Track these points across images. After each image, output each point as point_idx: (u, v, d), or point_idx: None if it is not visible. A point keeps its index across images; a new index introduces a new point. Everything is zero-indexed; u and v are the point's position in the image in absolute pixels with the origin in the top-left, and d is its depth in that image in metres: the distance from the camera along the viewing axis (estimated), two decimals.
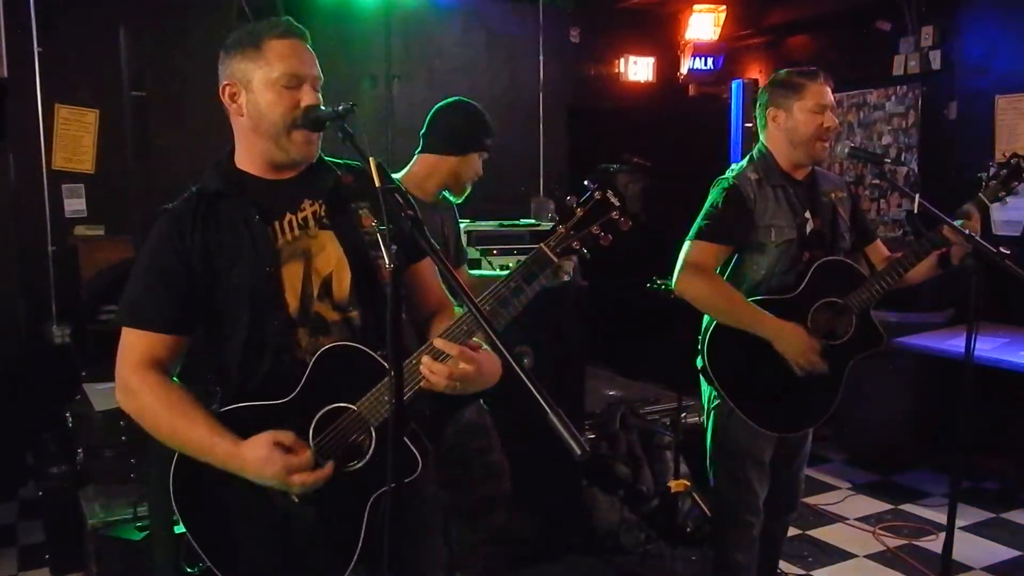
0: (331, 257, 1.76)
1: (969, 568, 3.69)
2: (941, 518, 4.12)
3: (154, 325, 1.71)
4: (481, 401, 2.91)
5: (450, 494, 2.91)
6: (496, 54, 5.91)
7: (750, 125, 4.26)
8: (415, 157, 2.78)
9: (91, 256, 4.50)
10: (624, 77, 6.58)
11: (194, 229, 1.72)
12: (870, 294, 2.65)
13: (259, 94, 1.70)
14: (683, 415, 3.94)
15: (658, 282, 3.66)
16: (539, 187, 6.02)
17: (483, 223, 3.51)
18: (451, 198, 2.82)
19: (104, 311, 4.25)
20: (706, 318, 2.74)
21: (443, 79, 5.58)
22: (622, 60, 6.55)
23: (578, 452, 1.25)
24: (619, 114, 6.46)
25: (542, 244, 1.64)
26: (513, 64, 5.99)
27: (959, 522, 2.62)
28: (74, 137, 4.69)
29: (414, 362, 1.64)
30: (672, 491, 3.81)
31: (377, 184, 1.47)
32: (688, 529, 3.84)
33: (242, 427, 1.66)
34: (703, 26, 6.47)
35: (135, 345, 1.71)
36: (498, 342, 1.34)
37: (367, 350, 1.69)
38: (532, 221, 3.87)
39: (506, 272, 1.73)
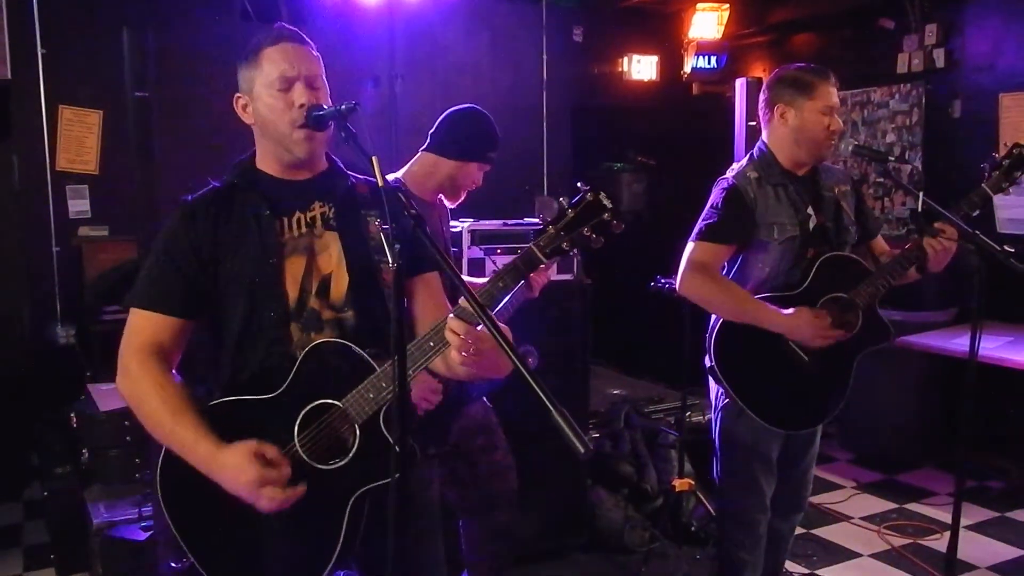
0: (332, 258, 1.81)
1: (974, 567, 3.69)
2: (946, 517, 4.11)
3: (162, 306, 1.75)
4: (485, 399, 2.91)
5: (456, 492, 2.92)
6: (499, 53, 5.90)
7: (754, 123, 4.24)
8: (419, 153, 2.79)
9: (95, 257, 4.51)
10: (627, 76, 6.57)
11: (207, 219, 1.78)
12: (876, 288, 2.64)
13: (259, 100, 1.77)
14: (687, 414, 3.94)
15: (662, 281, 3.65)
16: (543, 186, 6.02)
17: (486, 222, 3.50)
18: (445, 201, 2.82)
19: (108, 311, 4.26)
20: (712, 317, 2.74)
21: (446, 78, 5.58)
22: (625, 59, 6.55)
23: (582, 451, 1.25)
24: (622, 113, 6.46)
25: (531, 244, 1.63)
26: (516, 63, 5.99)
27: (964, 521, 2.62)
28: (78, 138, 4.70)
29: (417, 345, 1.66)
30: (676, 490, 3.80)
31: (380, 183, 1.48)
32: (692, 528, 3.84)
33: (229, 422, 1.69)
34: (706, 25, 6.45)
35: (141, 327, 1.76)
36: (501, 340, 1.34)
37: (356, 348, 1.72)
38: (536, 220, 3.86)
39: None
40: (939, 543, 3.91)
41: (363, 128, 1.61)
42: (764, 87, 2.78)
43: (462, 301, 1.59)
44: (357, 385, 1.69)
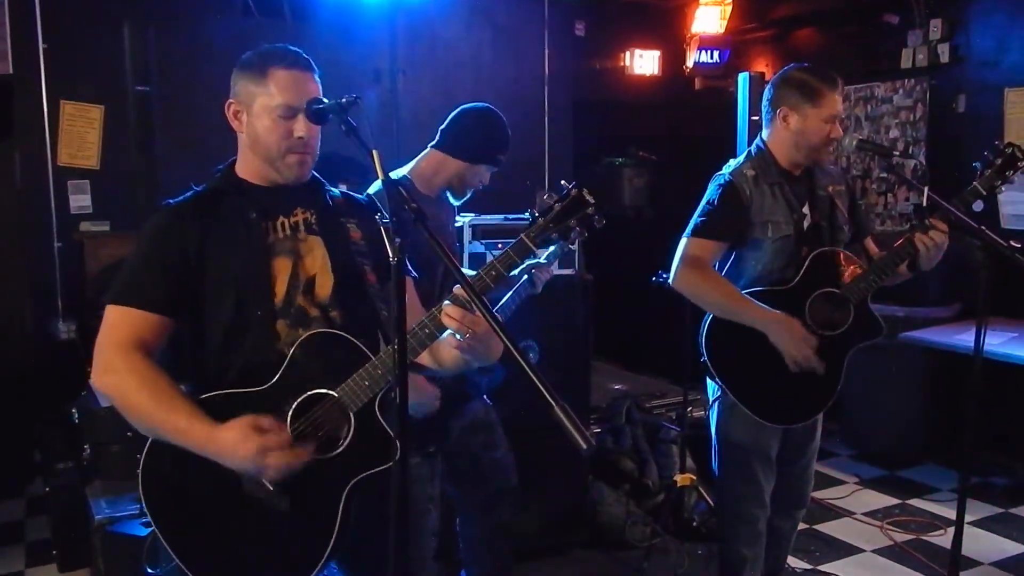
0: (317, 260, 1.84)
1: (977, 563, 3.68)
2: (949, 513, 4.10)
3: (143, 303, 1.74)
4: (485, 397, 2.91)
5: (456, 490, 2.91)
6: (501, 48, 5.88)
7: (756, 118, 4.23)
8: (427, 149, 2.77)
9: (97, 252, 4.50)
10: (629, 71, 6.56)
11: (194, 221, 1.77)
12: (867, 284, 2.64)
13: (257, 118, 1.78)
14: (689, 409, 3.93)
15: (663, 276, 3.65)
16: (544, 181, 6.01)
17: (488, 217, 3.49)
18: (450, 198, 2.81)
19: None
20: (705, 313, 2.74)
21: (448, 74, 5.57)
22: (627, 54, 6.53)
23: (583, 446, 1.25)
24: (624, 108, 6.45)
25: (522, 234, 1.72)
26: (518, 58, 5.97)
27: (967, 517, 2.61)
28: (79, 133, 4.69)
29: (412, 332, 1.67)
30: (678, 485, 3.80)
31: (381, 177, 1.49)
32: (694, 523, 3.83)
33: (221, 414, 1.67)
34: (709, 19, 6.44)
35: (122, 324, 1.74)
36: (503, 336, 1.34)
37: (350, 337, 1.74)
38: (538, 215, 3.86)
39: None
40: (942, 539, 3.90)
41: (364, 122, 1.61)
42: (770, 84, 2.77)
43: (456, 289, 1.64)
44: (351, 374, 1.70)
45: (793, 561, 3.63)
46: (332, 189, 1.94)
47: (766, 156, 2.72)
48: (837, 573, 3.63)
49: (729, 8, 6.40)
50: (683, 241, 2.71)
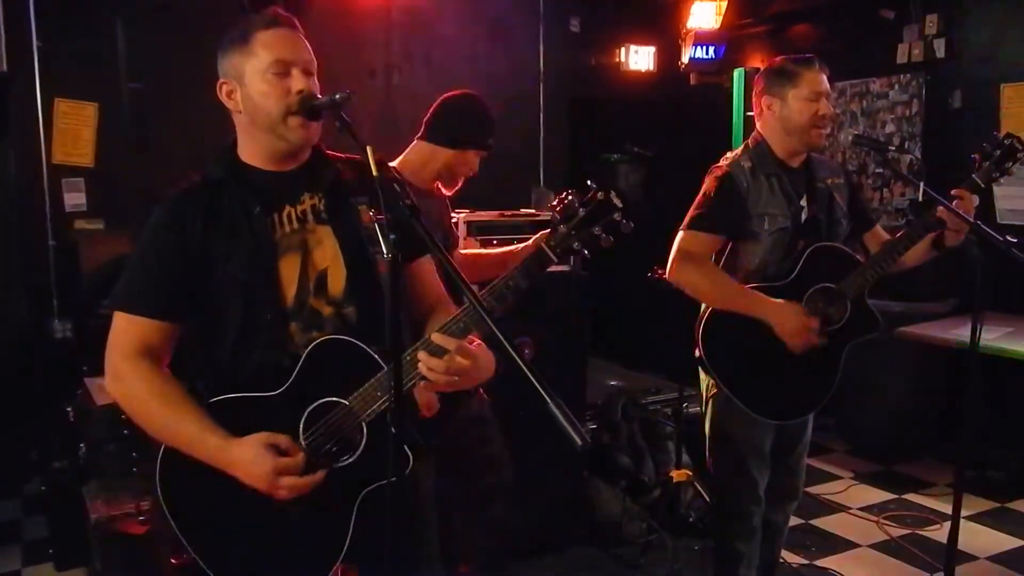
0: (327, 252, 1.76)
1: (974, 558, 3.69)
2: (944, 507, 4.11)
3: (149, 311, 1.71)
4: (481, 391, 2.89)
5: (451, 485, 2.90)
6: (496, 44, 5.88)
7: (752, 114, 4.24)
8: (414, 142, 2.76)
9: (92, 250, 4.49)
10: (625, 66, 6.55)
11: (195, 217, 1.71)
12: (864, 279, 2.64)
13: (252, 87, 1.70)
14: (685, 405, 3.93)
15: (659, 272, 3.64)
16: (539, 177, 6.01)
17: (483, 212, 3.49)
18: (442, 189, 2.80)
19: (105, 306, 4.23)
20: (701, 307, 2.73)
21: (443, 69, 5.56)
22: (623, 49, 6.52)
23: (579, 443, 1.25)
24: (620, 104, 6.44)
25: (543, 244, 1.64)
26: (513, 54, 5.97)
27: (963, 511, 2.61)
28: (74, 131, 4.67)
29: (409, 356, 1.63)
30: (674, 481, 3.80)
31: (374, 173, 1.47)
32: (690, 519, 3.84)
33: (231, 418, 1.66)
34: (704, 15, 6.43)
35: (128, 331, 1.71)
36: (498, 332, 1.33)
37: (361, 344, 1.68)
38: (532, 211, 3.85)
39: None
40: (938, 533, 3.91)
41: (358, 118, 1.59)
42: (755, 81, 2.79)
43: (435, 336, 1.61)
44: (364, 383, 1.66)
45: (789, 556, 3.63)
46: (338, 159, 1.84)
47: (763, 147, 2.72)
48: (833, 568, 3.63)
49: (724, 3, 6.39)
50: (679, 234, 2.70)
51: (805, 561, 3.70)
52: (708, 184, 2.71)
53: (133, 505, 3.29)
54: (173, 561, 2.36)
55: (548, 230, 1.73)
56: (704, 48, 6.30)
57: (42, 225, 4.61)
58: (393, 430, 1.46)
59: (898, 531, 3.99)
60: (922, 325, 4.52)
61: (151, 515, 3.16)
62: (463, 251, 3.07)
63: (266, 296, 1.71)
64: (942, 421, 4.81)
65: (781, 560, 3.21)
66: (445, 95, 2.77)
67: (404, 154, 2.76)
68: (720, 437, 2.81)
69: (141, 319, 1.71)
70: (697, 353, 2.74)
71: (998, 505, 4.26)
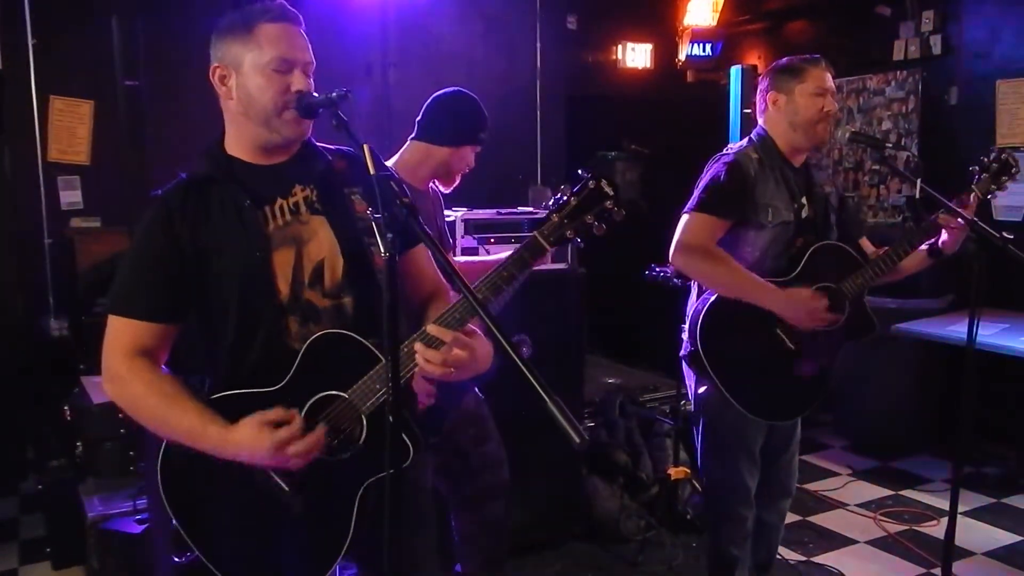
0: (323, 243, 1.75)
1: (970, 553, 3.70)
2: (942, 503, 4.12)
3: (143, 314, 1.70)
4: (476, 390, 2.89)
5: (448, 485, 2.90)
6: (493, 41, 5.87)
7: (749, 111, 4.23)
8: (408, 143, 2.76)
9: (88, 248, 4.48)
10: (622, 64, 6.55)
11: (184, 215, 1.70)
12: (864, 280, 2.64)
13: (249, 78, 1.69)
14: (682, 402, 3.93)
15: (656, 269, 3.64)
16: (536, 175, 6.00)
17: (480, 211, 3.49)
18: (440, 188, 2.80)
19: (102, 304, 4.23)
20: (692, 303, 2.73)
21: (440, 67, 5.55)
22: (620, 47, 6.52)
23: (577, 441, 1.25)
24: (617, 101, 6.44)
25: (536, 233, 1.63)
26: (510, 51, 5.95)
27: (960, 507, 2.62)
28: (69, 128, 4.66)
29: (406, 348, 1.62)
30: (672, 478, 3.81)
31: (371, 172, 1.46)
32: (688, 516, 3.84)
33: (232, 414, 1.65)
34: (701, 12, 6.44)
35: (123, 333, 1.70)
36: (495, 330, 1.33)
37: (358, 338, 1.68)
38: (530, 209, 3.85)
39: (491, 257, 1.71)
40: (935, 529, 3.92)
41: (354, 116, 1.58)
42: (760, 80, 2.80)
43: (430, 327, 1.61)
44: (362, 376, 1.66)
45: (786, 553, 3.64)
46: (328, 150, 1.83)
47: (768, 141, 2.71)
48: (830, 564, 3.64)
49: (721, 0, 6.40)
50: (684, 219, 2.65)
51: (803, 557, 3.70)
52: (716, 169, 2.67)
53: (130, 504, 3.30)
54: (176, 560, 2.36)
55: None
56: (701, 45, 6.31)
57: (38, 223, 4.60)
58: (391, 418, 1.45)
59: (895, 527, 3.99)
60: (920, 322, 4.53)
61: (150, 513, 3.16)
62: (458, 258, 3.07)
63: (261, 290, 1.70)
64: (939, 417, 4.82)
65: (779, 556, 3.21)
66: (436, 94, 2.77)
67: (399, 154, 2.76)
68: (713, 443, 2.80)
69: (135, 322, 1.70)
70: (687, 348, 2.72)
71: (994, 501, 4.27)
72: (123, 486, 3.41)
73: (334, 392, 1.67)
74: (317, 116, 1.70)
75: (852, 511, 4.20)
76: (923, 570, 3.58)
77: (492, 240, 3.40)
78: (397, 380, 1.44)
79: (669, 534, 3.75)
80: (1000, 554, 3.72)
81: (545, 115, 6.05)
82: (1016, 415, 4.61)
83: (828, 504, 4.28)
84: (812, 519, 4.09)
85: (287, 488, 1.69)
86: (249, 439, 1.60)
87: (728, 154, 2.70)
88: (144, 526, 3.19)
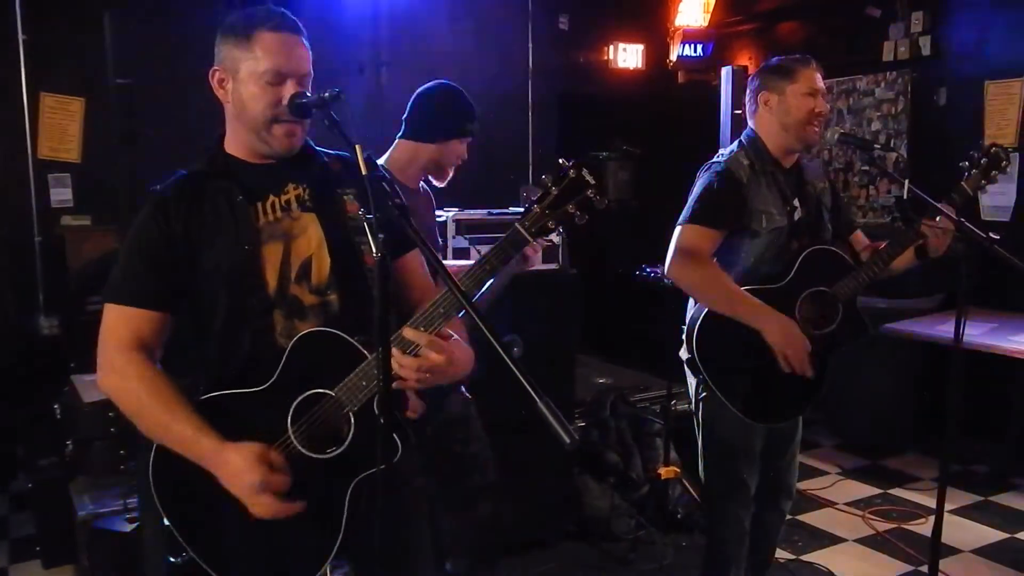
0: (312, 240, 1.76)
1: (958, 551, 3.72)
2: (930, 502, 4.15)
3: (139, 300, 1.71)
4: (463, 389, 2.88)
5: (436, 485, 2.89)
6: (485, 41, 5.87)
7: (740, 112, 4.25)
8: (396, 142, 2.74)
9: (78, 246, 4.47)
10: (613, 64, 6.56)
11: (179, 209, 1.72)
12: (857, 283, 2.64)
13: (243, 85, 1.70)
14: (673, 402, 3.95)
15: (647, 270, 3.66)
16: (528, 175, 6.01)
17: (472, 211, 3.49)
18: (434, 183, 2.79)
19: (92, 302, 4.22)
20: (691, 308, 2.73)
21: (432, 66, 5.53)
22: (611, 47, 6.53)
23: (567, 441, 1.25)
24: (608, 101, 6.45)
25: (516, 224, 1.62)
26: (502, 51, 5.96)
27: (948, 505, 2.64)
28: (60, 126, 4.65)
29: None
30: (662, 478, 3.82)
31: (364, 172, 1.47)
32: (678, 515, 3.86)
33: (221, 416, 1.66)
34: (693, 12, 6.46)
35: (120, 322, 1.72)
36: (485, 328, 1.33)
37: (344, 336, 1.68)
38: (521, 209, 3.86)
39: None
40: (923, 527, 3.94)
41: (347, 116, 1.58)
42: (749, 81, 2.80)
43: (405, 330, 1.61)
44: (348, 373, 1.67)
45: (776, 552, 3.65)
46: (326, 153, 1.84)
47: (758, 144, 2.71)
48: (820, 563, 3.66)
49: (712, 1, 6.42)
50: (678, 230, 2.64)
51: (792, 556, 3.72)
52: (708, 178, 2.66)
53: (120, 502, 3.29)
54: (172, 560, 2.34)
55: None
56: (692, 46, 6.33)
57: (28, 221, 4.59)
58: (381, 420, 1.46)
59: (884, 525, 4.02)
60: (908, 321, 4.55)
61: (140, 512, 3.15)
62: (448, 262, 3.07)
63: (249, 283, 1.72)
64: (928, 416, 4.85)
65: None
66: (419, 89, 2.74)
67: (388, 153, 2.75)
68: (712, 443, 2.79)
69: (132, 309, 1.71)
70: (685, 354, 2.73)
71: (982, 499, 4.30)
72: (113, 485, 3.41)
73: (321, 391, 1.68)
74: (310, 116, 1.71)
75: (841, 509, 4.23)
76: (911, 568, 3.61)
77: (484, 240, 3.40)
78: (388, 377, 1.45)
79: (659, 533, 3.77)
80: (988, 551, 3.74)
81: (537, 115, 6.07)
82: (1003, 414, 4.65)
83: (817, 503, 4.30)
84: (801, 518, 4.11)
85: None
86: (239, 466, 1.61)
87: (719, 162, 2.69)
88: (134, 525, 3.18)
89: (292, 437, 1.68)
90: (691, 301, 2.77)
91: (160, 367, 1.74)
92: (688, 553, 3.66)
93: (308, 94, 1.69)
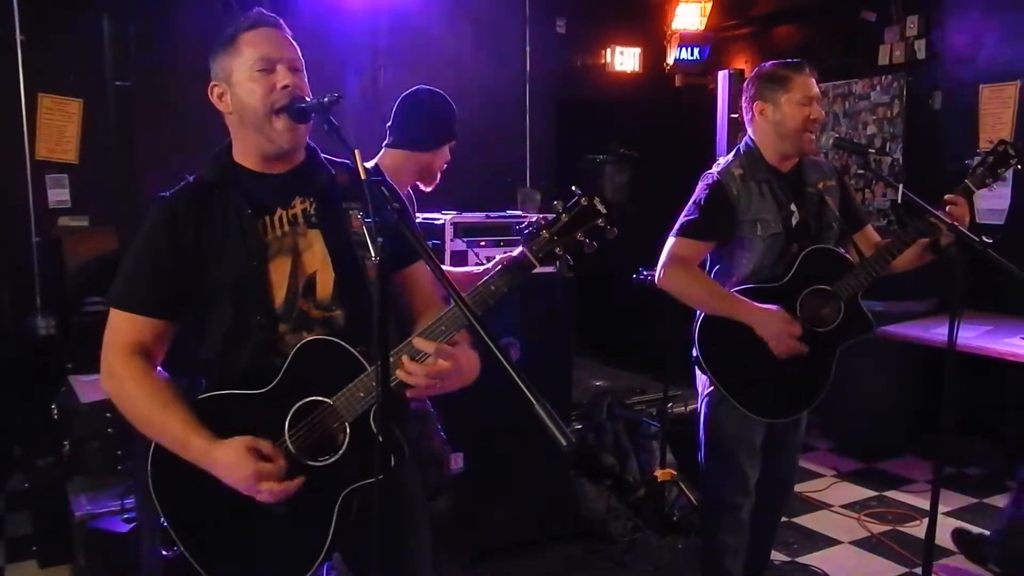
0: (316, 256, 1.78)
1: (952, 553, 3.73)
2: (925, 504, 4.13)
3: (143, 308, 1.73)
4: None
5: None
6: (482, 44, 5.89)
7: (736, 116, 4.26)
8: (383, 150, 2.75)
9: (76, 247, 4.48)
10: (611, 67, 6.58)
11: (188, 218, 1.74)
12: (858, 281, 2.67)
13: (239, 86, 1.73)
14: (669, 405, 3.96)
15: (644, 273, 3.67)
16: (525, 177, 6.02)
17: (469, 214, 3.50)
18: (422, 188, 2.81)
19: (89, 303, 4.23)
20: (696, 310, 2.77)
21: (429, 69, 5.55)
22: (608, 50, 6.55)
23: (564, 443, 1.26)
24: (606, 105, 6.47)
25: (524, 249, 1.63)
26: (500, 54, 5.98)
27: (942, 508, 2.66)
28: (58, 127, 4.65)
29: (392, 359, 1.63)
30: (659, 480, 3.83)
31: (362, 176, 1.48)
32: (674, 518, 3.87)
33: (219, 416, 1.68)
34: (689, 16, 6.48)
35: (122, 327, 1.74)
36: (484, 335, 1.35)
37: (346, 345, 1.70)
38: (518, 212, 3.87)
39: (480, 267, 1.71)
40: (918, 529, 3.95)
41: (346, 120, 1.60)
42: (744, 88, 2.81)
43: (416, 340, 1.63)
44: (348, 383, 1.68)
45: (772, 553, 3.66)
46: (333, 162, 1.86)
47: (754, 153, 2.74)
48: (815, 565, 3.67)
49: (709, 5, 6.45)
50: (669, 241, 2.73)
51: (787, 558, 3.73)
52: (699, 191, 2.73)
53: (117, 503, 3.29)
54: (164, 553, 2.37)
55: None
56: (689, 49, 6.35)
57: (26, 221, 4.59)
58: (380, 437, 1.47)
59: (879, 528, 4.03)
60: (903, 324, 4.57)
61: (137, 512, 3.16)
62: (447, 268, 3.07)
63: (256, 298, 1.73)
64: (923, 419, 4.86)
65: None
66: (404, 98, 2.76)
67: (375, 161, 2.73)
68: (712, 431, 2.84)
69: (136, 316, 1.73)
70: (694, 352, 2.77)
71: (976, 501, 4.32)
72: (110, 485, 3.41)
73: (320, 398, 1.69)
74: (309, 121, 1.72)
75: (836, 512, 4.24)
76: (906, 569, 3.62)
77: (481, 243, 3.41)
78: (388, 387, 1.46)
79: (655, 535, 3.78)
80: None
81: (534, 118, 6.08)
82: (998, 416, 4.66)
83: (812, 505, 4.32)
84: (797, 520, 4.13)
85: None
86: (229, 461, 1.63)
87: (712, 174, 2.74)
88: (131, 525, 3.19)
89: (288, 442, 1.69)
90: None
91: (161, 369, 1.76)
92: (684, 555, 3.67)
93: (307, 97, 1.71)
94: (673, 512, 3.88)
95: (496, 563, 3.58)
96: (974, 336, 4.11)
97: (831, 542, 3.91)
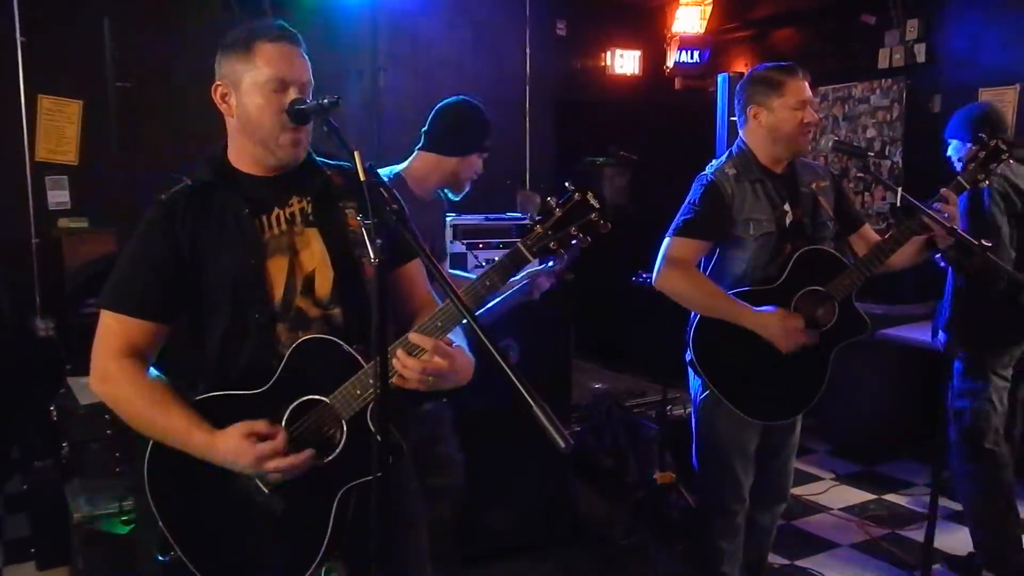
0: (315, 254, 1.78)
1: (951, 555, 3.73)
2: (924, 507, 4.16)
3: (136, 311, 1.72)
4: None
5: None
6: (482, 46, 5.90)
7: (735, 119, 4.27)
8: (415, 152, 2.79)
9: (75, 249, 4.47)
10: (610, 70, 6.59)
11: (185, 218, 1.73)
12: (852, 281, 2.66)
13: (247, 96, 1.71)
14: (669, 408, 3.96)
15: (643, 275, 3.67)
16: (525, 180, 6.03)
17: (469, 216, 3.51)
18: (450, 196, 2.83)
19: (88, 304, 4.23)
20: (692, 311, 2.76)
21: (430, 72, 5.58)
22: (608, 53, 6.56)
23: (562, 445, 1.27)
24: (605, 107, 6.48)
25: (519, 243, 1.63)
26: (499, 57, 5.99)
27: (940, 511, 2.65)
28: (57, 128, 4.66)
29: (389, 355, 1.64)
30: (657, 483, 3.83)
31: (362, 178, 1.48)
32: (673, 520, 3.86)
33: (217, 415, 1.68)
34: (689, 19, 6.49)
35: (114, 330, 1.73)
36: (482, 335, 1.35)
37: (342, 344, 1.70)
38: (518, 215, 3.88)
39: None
40: (917, 533, 3.95)
41: (346, 122, 1.60)
42: (737, 90, 2.81)
43: (412, 335, 1.63)
44: (344, 381, 1.68)
45: (770, 556, 3.65)
46: (327, 163, 1.86)
47: (747, 155, 2.75)
48: (814, 568, 3.67)
49: (709, 8, 6.45)
50: (665, 241, 2.73)
51: (786, 561, 3.73)
52: (693, 191, 2.74)
53: (115, 505, 3.29)
54: (160, 558, 2.35)
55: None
56: (689, 52, 6.36)
57: (25, 222, 4.59)
58: (379, 437, 1.47)
59: (878, 531, 4.03)
60: (903, 327, 4.57)
61: (135, 513, 3.15)
62: (448, 270, 3.08)
63: (254, 296, 1.73)
64: (922, 422, 4.86)
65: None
66: (441, 104, 2.80)
67: (407, 164, 2.78)
68: (707, 436, 2.84)
69: (128, 318, 1.72)
70: (688, 355, 2.77)
71: None
72: (109, 487, 3.40)
73: (316, 396, 1.69)
74: (308, 123, 1.72)
75: (835, 515, 4.24)
76: (905, 573, 3.62)
77: (481, 245, 3.42)
78: (386, 386, 1.46)
79: (654, 538, 3.77)
80: None
81: (534, 120, 6.09)
82: None
83: (812, 508, 4.31)
84: (796, 523, 4.12)
85: (265, 490, 1.71)
86: (232, 448, 1.63)
87: (707, 174, 2.75)
88: (129, 527, 3.18)
89: (287, 434, 1.68)
90: None
91: (154, 370, 1.76)
92: (682, 558, 3.67)
93: (308, 100, 1.70)
94: (672, 515, 3.88)
95: (495, 565, 3.57)
96: None
97: (830, 545, 3.91)
